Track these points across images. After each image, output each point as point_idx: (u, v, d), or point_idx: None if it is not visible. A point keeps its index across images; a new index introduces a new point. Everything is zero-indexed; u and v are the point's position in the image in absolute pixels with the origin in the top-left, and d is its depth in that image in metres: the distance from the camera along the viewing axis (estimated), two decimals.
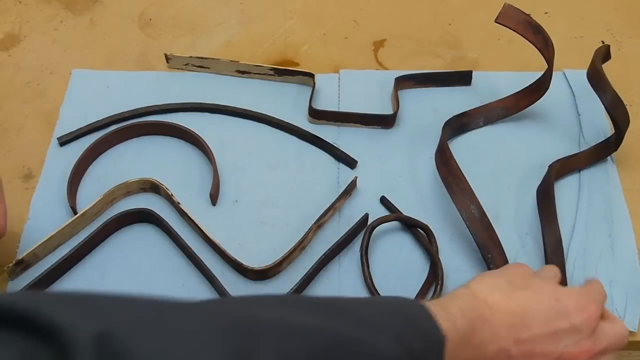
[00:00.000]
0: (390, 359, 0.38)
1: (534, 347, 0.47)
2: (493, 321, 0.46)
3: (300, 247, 0.61)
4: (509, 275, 0.51)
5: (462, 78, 0.76)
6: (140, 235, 0.64)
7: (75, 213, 0.65)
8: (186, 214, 0.63)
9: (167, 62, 0.77)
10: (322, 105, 0.74)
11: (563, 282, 0.60)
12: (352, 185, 0.66)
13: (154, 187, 0.65)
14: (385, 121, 0.72)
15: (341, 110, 0.73)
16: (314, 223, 0.62)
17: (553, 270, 0.54)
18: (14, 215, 0.65)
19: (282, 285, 0.60)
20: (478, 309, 0.46)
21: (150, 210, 0.64)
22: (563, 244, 0.62)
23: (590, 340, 0.48)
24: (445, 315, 0.43)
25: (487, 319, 0.46)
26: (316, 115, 0.72)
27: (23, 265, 0.61)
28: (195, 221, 0.62)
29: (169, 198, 0.64)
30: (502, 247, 0.62)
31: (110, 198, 0.65)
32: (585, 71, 0.69)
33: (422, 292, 0.60)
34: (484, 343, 0.46)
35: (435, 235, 0.63)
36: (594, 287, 0.52)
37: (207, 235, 0.62)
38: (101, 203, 0.64)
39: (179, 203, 0.63)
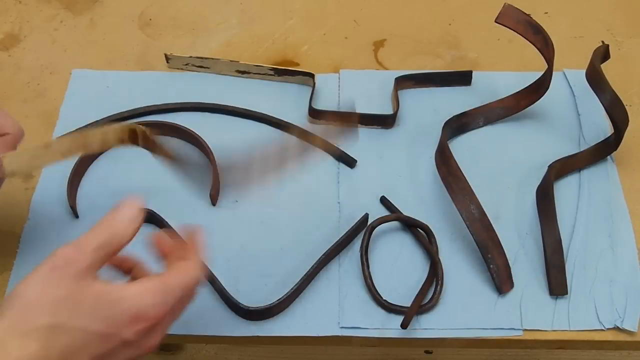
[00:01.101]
0: None
1: None
2: None
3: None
4: (53, 299, 0.42)
5: (462, 78, 0.76)
6: (140, 235, 0.64)
7: (75, 213, 0.65)
8: None
9: (167, 62, 0.77)
10: (322, 105, 0.74)
11: (563, 283, 0.60)
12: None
13: (131, 137, 0.59)
14: (385, 121, 0.72)
15: (341, 110, 0.73)
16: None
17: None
18: (14, 215, 0.65)
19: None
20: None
21: (150, 210, 0.64)
22: (563, 244, 0.63)
23: (153, 337, 0.46)
24: None
25: None
26: (316, 115, 0.72)
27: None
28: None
29: (146, 146, 0.58)
30: (502, 247, 0.62)
31: (83, 141, 0.57)
32: (585, 71, 0.69)
33: (422, 292, 0.60)
34: None
35: (435, 235, 0.63)
36: (171, 278, 0.46)
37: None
38: (71, 141, 0.56)
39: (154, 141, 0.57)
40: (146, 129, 0.56)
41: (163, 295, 0.45)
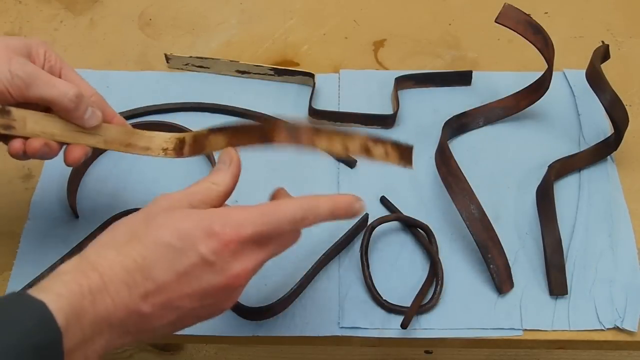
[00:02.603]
0: None
1: (168, 295, 0.43)
2: (106, 288, 0.41)
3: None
4: (135, 217, 0.45)
5: (462, 78, 0.76)
6: None
7: (75, 213, 0.65)
8: None
9: (167, 62, 0.77)
10: (322, 105, 0.74)
11: (563, 283, 0.60)
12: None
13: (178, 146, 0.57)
14: (385, 121, 0.72)
15: (341, 110, 0.73)
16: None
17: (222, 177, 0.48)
18: (14, 215, 0.65)
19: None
20: (83, 283, 0.41)
21: None
22: (563, 244, 0.63)
23: (236, 262, 0.44)
24: (47, 297, 0.39)
25: (97, 288, 0.41)
26: (316, 115, 0.72)
27: (6, 120, 0.52)
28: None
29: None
30: (502, 247, 0.62)
31: (127, 140, 0.56)
32: (585, 71, 0.69)
33: (422, 292, 0.60)
34: (105, 315, 0.41)
35: (435, 235, 0.63)
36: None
37: None
38: (122, 134, 0.56)
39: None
40: (201, 131, 0.54)
41: (238, 216, 0.44)
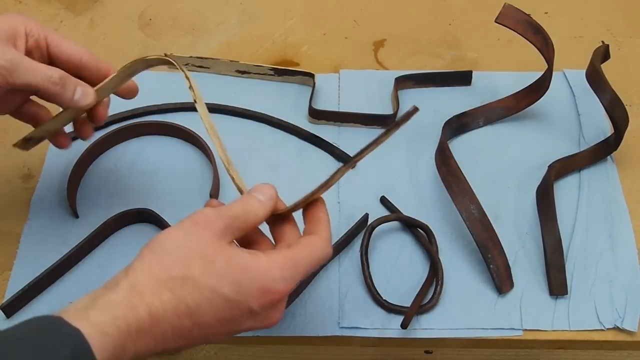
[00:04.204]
0: None
1: (208, 334, 0.44)
2: (152, 330, 0.42)
3: (325, 186, 0.52)
4: (190, 253, 0.43)
5: (462, 78, 0.76)
6: (140, 235, 0.64)
7: (75, 213, 0.65)
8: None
9: None
10: (322, 105, 0.74)
11: (563, 283, 0.60)
12: (408, 116, 0.53)
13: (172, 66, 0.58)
14: (385, 121, 0.72)
15: (341, 110, 0.73)
16: (346, 165, 0.51)
17: (256, 212, 0.47)
18: (14, 215, 0.65)
19: None
20: (132, 322, 0.41)
21: (150, 210, 0.64)
22: (563, 244, 0.63)
23: (277, 311, 0.46)
24: (93, 332, 0.39)
25: (143, 329, 0.41)
26: (316, 115, 0.72)
27: (34, 141, 0.58)
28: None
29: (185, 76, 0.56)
30: (502, 247, 0.62)
31: (128, 72, 0.57)
32: (585, 71, 0.69)
33: (422, 292, 0.60)
34: (143, 352, 0.42)
35: (435, 235, 0.63)
36: (298, 255, 0.46)
37: None
38: (115, 80, 0.57)
39: (190, 88, 0.55)
40: (187, 73, 0.55)
41: (293, 270, 0.45)
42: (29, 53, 0.53)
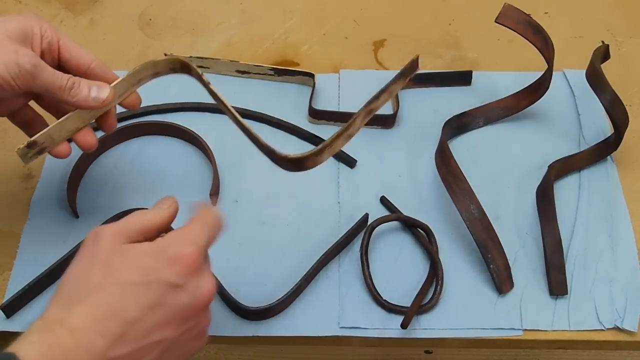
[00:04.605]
0: None
1: (144, 329, 0.42)
2: (78, 343, 0.40)
3: (345, 134, 0.53)
4: (85, 268, 0.43)
5: (462, 78, 0.76)
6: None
7: (75, 213, 0.65)
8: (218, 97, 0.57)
9: None
10: (322, 105, 0.74)
11: (563, 283, 0.60)
12: (413, 67, 0.55)
13: (184, 67, 0.59)
14: (385, 121, 0.72)
15: (341, 110, 0.73)
16: (364, 107, 0.51)
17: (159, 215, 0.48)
18: (14, 215, 0.65)
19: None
20: (52, 342, 0.40)
21: None
22: (563, 244, 0.63)
23: (203, 278, 0.45)
24: None
25: (67, 345, 0.40)
26: (316, 115, 0.72)
27: (37, 148, 0.56)
28: (225, 101, 0.56)
29: (199, 78, 0.58)
30: (502, 247, 0.62)
31: (136, 79, 0.58)
32: (585, 71, 0.69)
33: (422, 292, 0.60)
34: None
35: (435, 235, 0.63)
36: (193, 227, 0.47)
37: None
38: (125, 83, 0.57)
39: (209, 83, 0.56)
40: (198, 70, 0.57)
41: (190, 236, 0.45)
42: (41, 55, 0.54)
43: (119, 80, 0.56)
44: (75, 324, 0.40)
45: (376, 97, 0.51)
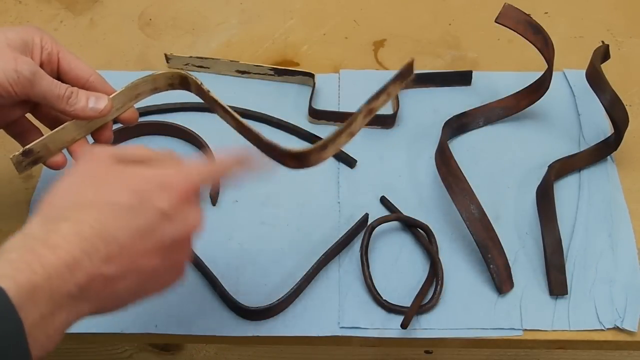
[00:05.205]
0: None
1: (130, 254, 0.41)
2: (63, 261, 0.39)
3: (347, 131, 0.52)
4: (77, 183, 0.43)
5: (462, 78, 0.76)
6: None
7: None
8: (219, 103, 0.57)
9: (167, 62, 0.77)
10: (322, 105, 0.74)
11: (563, 283, 0.61)
12: (408, 70, 0.54)
13: (183, 82, 0.59)
14: (385, 121, 0.72)
15: (341, 110, 0.73)
16: (365, 105, 0.52)
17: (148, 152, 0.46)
18: (14, 215, 0.65)
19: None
20: (32, 260, 0.38)
21: None
22: (563, 244, 0.63)
23: (192, 211, 0.44)
24: None
25: (50, 263, 0.38)
26: (316, 115, 0.72)
27: (32, 157, 0.55)
28: (225, 106, 0.57)
29: (198, 88, 0.58)
30: (502, 247, 0.62)
31: (135, 93, 0.58)
32: (585, 71, 0.69)
33: (422, 292, 0.60)
34: (62, 286, 0.39)
35: (435, 235, 0.63)
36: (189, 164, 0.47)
37: None
38: (123, 96, 0.57)
39: (208, 91, 0.57)
40: (197, 78, 0.57)
41: (188, 169, 0.45)
42: (40, 65, 0.54)
43: (117, 92, 0.57)
44: (59, 242, 0.39)
45: (376, 97, 0.51)
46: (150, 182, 0.43)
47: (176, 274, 0.46)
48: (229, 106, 0.74)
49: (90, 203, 0.41)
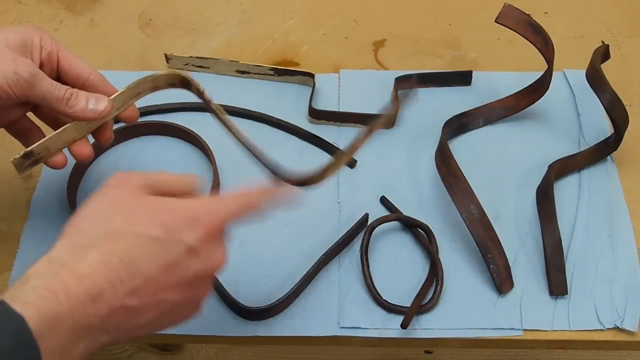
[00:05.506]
0: None
1: (155, 287, 0.42)
2: (86, 290, 0.39)
3: (349, 152, 0.54)
4: (107, 211, 0.43)
5: (462, 78, 0.76)
6: None
7: None
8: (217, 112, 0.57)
9: (167, 62, 0.77)
10: (322, 105, 0.74)
11: (563, 283, 0.61)
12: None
13: (183, 83, 0.59)
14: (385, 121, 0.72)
15: (341, 110, 0.73)
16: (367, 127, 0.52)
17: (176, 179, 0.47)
18: (14, 215, 0.65)
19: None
20: (57, 289, 0.38)
21: None
22: (563, 244, 0.63)
23: (218, 249, 0.45)
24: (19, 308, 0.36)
25: (73, 292, 0.38)
26: (316, 115, 0.72)
27: (33, 158, 0.55)
28: (230, 121, 0.57)
29: (199, 94, 0.58)
30: (502, 247, 0.62)
31: (135, 92, 0.58)
32: (585, 71, 0.69)
33: (422, 292, 0.60)
34: (84, 317, 0.39)
35: (435, 235, 0.63)
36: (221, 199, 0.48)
37: None
38: (124, 96, 0.57)
39: (210, 101, 0.57)
40: (197, 82, 0.57)
41: (216, 205, 0.45)
42: (40, 66, 0.54)
43: (117, 93, 0.57)
44: (86, 271, 0.39)
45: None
46: (179, 216, 0.43)
47: (193, 309, 0.46)
48: (231, 107, 0.75)
49: (118, 233, 0.41)
